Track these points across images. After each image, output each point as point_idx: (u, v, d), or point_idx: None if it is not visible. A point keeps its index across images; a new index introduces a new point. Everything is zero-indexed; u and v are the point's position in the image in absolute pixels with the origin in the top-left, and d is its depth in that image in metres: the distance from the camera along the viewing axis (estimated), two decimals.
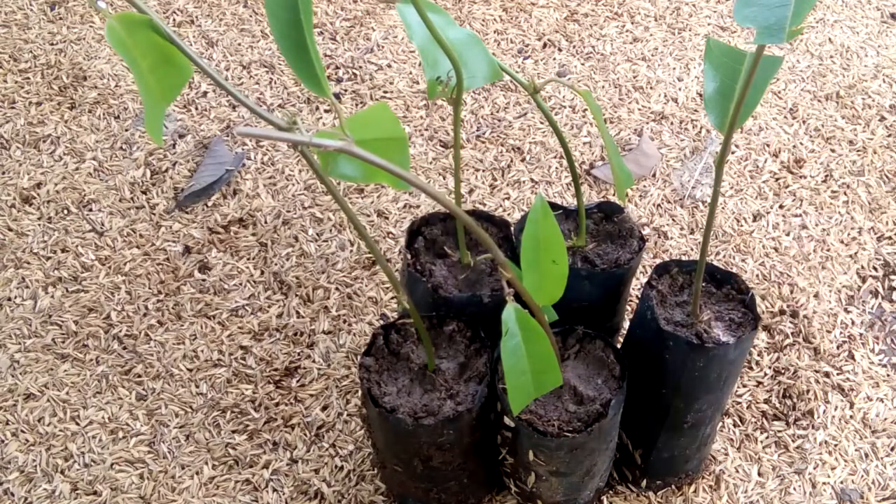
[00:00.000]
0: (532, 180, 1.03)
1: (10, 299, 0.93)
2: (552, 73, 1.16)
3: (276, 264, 0.95)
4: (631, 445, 0.76)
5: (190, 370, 0.87)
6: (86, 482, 0.80)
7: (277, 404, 0.84)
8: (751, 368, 0.87)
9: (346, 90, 1.14)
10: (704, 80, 0.55)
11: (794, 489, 0.79)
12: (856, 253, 0.96)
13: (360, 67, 1.17)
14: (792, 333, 0.89)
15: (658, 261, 0.95)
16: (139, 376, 0.87)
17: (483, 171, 1.04)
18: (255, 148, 1.07)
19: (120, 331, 0.90)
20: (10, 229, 0.99)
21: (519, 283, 0.53)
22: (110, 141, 1.08)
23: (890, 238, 0.97)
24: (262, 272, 0.95)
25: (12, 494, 0.79)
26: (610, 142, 0.63)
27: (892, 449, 0.82)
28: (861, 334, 0.89)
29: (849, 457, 0.81)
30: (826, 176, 1.03)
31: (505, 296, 0.53)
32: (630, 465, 0.77)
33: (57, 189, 1.03)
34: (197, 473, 0.80)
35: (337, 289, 0.93)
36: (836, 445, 0.82)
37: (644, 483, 0.78)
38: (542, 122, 1.09)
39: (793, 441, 0.82)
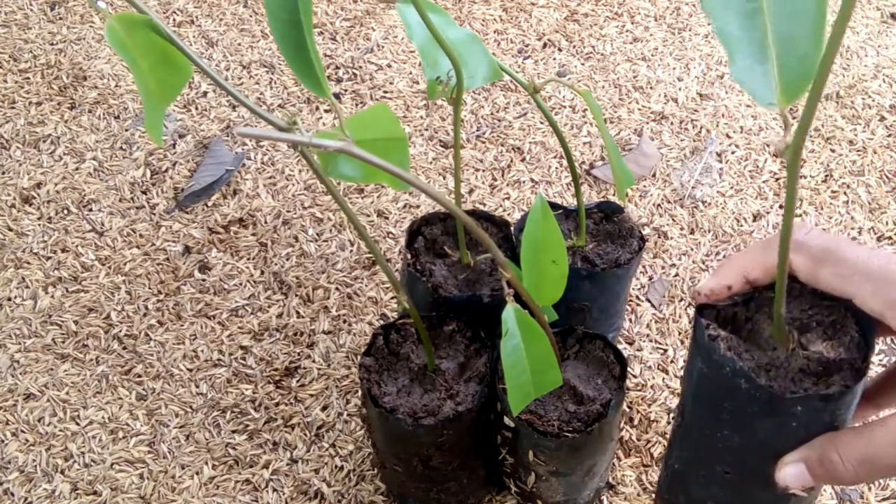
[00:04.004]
0: (532, 180, 1.03)
1: (10, 299, 0.93)
2: (552, 73, 1.16)
3: (276, 264, 0.95)
4: None
5: (190, 370, 0.87)
6: (86, 482, 0.80)
7: (277, 404, 0.84)
8: None
9: (346, 90, 1.14)
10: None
11: None
12: None
13: (360, 67, 1.17)
14: None
15: (658, 261, 0.95)
16: (139, 376, 0.87)
17: (483, 171, 1.04)
18: (255, 148, 1.07)
19: (120, 331, 0.90)
20: (10, 229, 0.99)
21: (519, 283, 0.53)
22: (110, 141, 1.08)
23: (890, 238, 0.97)
24: (262, 272, 0.95)
25: (12, 494, 0.79)
26: (610, 142, 0.63)
27: None
28: None
29: None
30: (826, 176, 1.03)
31: (505, 296, 0.53)
32: None
33: (57, 189, 1.03)
34: (197, 473, 0.80)
35: (337, 289, 0.93)
36: None
37: None
38: (542, 122, 1.09)
39: None
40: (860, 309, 0.42)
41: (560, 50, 1.19)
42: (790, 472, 0.43)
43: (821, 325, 0.44)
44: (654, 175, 1.04)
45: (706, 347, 0.43)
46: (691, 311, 0.90)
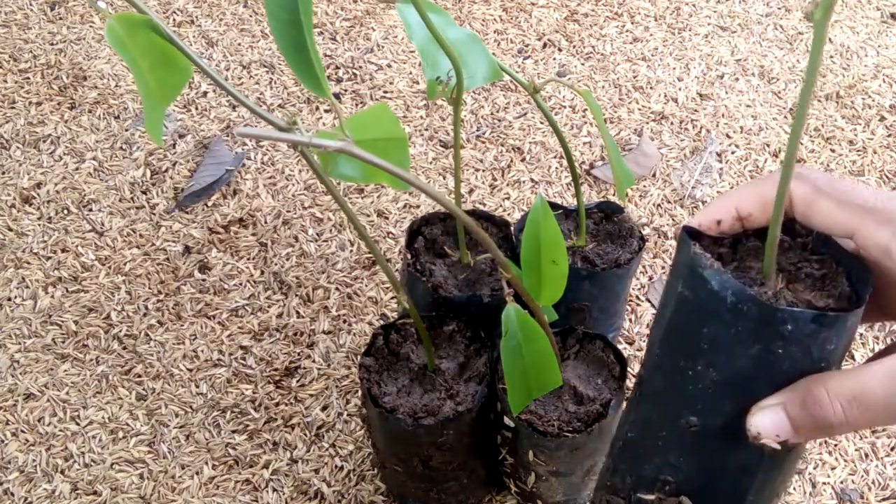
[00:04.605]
0: (532, 180, 1.03)
1: (10, 299, 0.93)
2: (552, 73, 1.16)
3: (276, 264, 0.95)
4: None
5: (190, 370, 0.87)
6: (86, 482, 0.80)
7: (277, 404, 0.84)
8: None
9: (346, 90, 1.14)
10: None
11: (794, 489, 0.79)
12: None
13: (360, 67, 1.17)
14: None
15: (658, 261, 0.95)
16: (139, 376, 0.87)
17: (483, 171, 1.04)
18: (255, 148, 1.07)
19: (120, 331, 0.90)
20: (10, 229, 0.99)
21: (519, 283, 0.53)
22: (110, 141, 1.08)
23: None
24: (262, 272, 0.95)
25: (12, 494, 0.79)
26: (610, 142, 0.63)
27: (892, 449, 0.82)
28: (861, 334, 0.89)
29: (849, 457, 0.81)
30: None
31: (505, 296, 0.53)
32: None
33: (57, 189, 1.03)
34: (197, 473, 0.80)
35: (337, 289, 0.93)
36: (836, 445, 0.82)
37: None
38: (542, 122, 1.09)
39: None
40: (856, 256, 0.39)
41: (560, 50, 1.19)
42: (765, 416, 0.37)
43: (810, 278, 0.41)
44: (654, 175, 1.04)
45: (690, 263, 0.40)
46: None
